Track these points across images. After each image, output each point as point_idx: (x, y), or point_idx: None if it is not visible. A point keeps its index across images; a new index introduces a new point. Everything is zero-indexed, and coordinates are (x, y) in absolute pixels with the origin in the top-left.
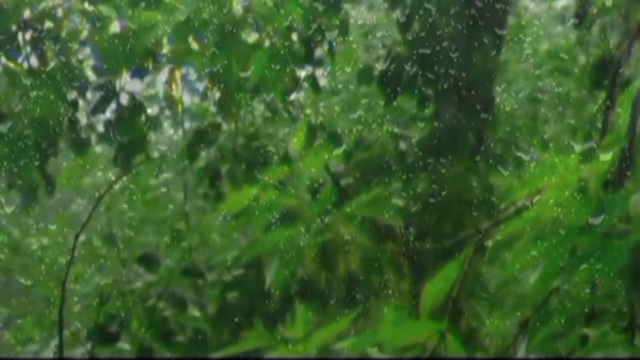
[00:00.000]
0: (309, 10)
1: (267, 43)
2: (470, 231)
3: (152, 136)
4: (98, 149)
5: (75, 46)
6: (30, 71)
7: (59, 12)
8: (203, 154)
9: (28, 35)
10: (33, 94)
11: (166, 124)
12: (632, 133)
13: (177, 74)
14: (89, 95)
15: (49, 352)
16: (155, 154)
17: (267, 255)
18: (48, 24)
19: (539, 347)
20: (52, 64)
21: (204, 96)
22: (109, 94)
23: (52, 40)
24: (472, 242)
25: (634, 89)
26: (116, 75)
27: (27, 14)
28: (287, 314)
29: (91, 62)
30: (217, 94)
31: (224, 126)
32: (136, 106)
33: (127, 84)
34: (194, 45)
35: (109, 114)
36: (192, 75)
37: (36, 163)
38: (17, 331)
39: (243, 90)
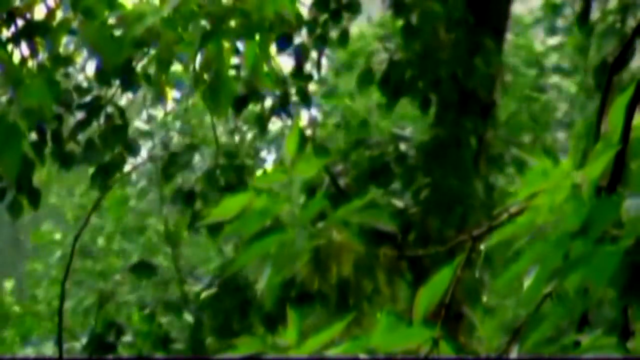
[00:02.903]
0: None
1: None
2: (463, 237)
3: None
4: None
5: (64, 36)
6: (22, 62)
7: (50, 2)
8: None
9: (19, 25)
10: (25, 83)
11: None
12: (625, 138)
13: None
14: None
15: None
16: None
17: (259, 261)
18: (38, 14)
19: (531, 352)
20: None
21: (194, 84)
22: (93, 112)
23: (43, 30)
24: (465, 248)
25: (628, 94)
26: (106, 83)
27: (17, 3)
28: (282, 320)
29: (83, 61)
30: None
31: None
32: (121, 125)
33: (116, 96)
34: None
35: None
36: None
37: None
38: (18, 328)
39: (234, 82)
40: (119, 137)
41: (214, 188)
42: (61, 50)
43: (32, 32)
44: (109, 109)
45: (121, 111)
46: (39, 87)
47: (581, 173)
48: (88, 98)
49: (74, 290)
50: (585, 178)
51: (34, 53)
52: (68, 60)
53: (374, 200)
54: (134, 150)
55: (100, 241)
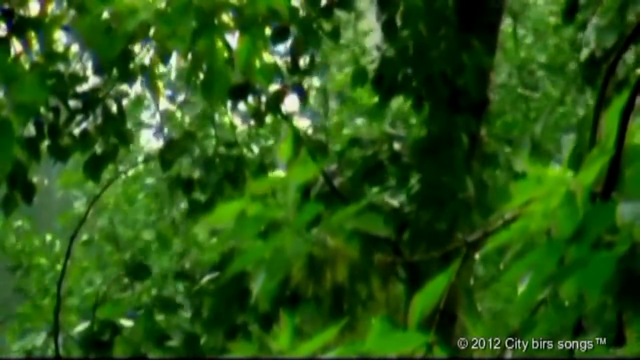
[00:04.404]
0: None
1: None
2: (458, 243)
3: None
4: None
5: (57, 32)
6: (15, 58)
7: None
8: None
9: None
10: (19, 79)
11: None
12: (620, 144)
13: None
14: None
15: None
16: (141, 157)
17: (253, 267)
18: (31, 10)
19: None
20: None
21: (187, 80)
22: (89, 104)
23: (36, 25)
24: (460, 254)
25: (622, 99)
26: (103, 76)
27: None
28: (277, 319)
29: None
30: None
31: (201, 133)
32: (118, 116)
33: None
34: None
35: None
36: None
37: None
38: (15, 328)
39: (227, 76)
40: (116, 128)
41: (212, 176)
42: (54, 45)
43: (25, 28)
44: (106, 101)
45: (118, 103)
46: (32, 83)
47: (575, 179)
48: (84, 87)
49: (99, 275)
50: (580, 184)
51: (26, 49)
52: (61, 57)
53: (370, 201)
54: (127, 141)
55: (123, 230)
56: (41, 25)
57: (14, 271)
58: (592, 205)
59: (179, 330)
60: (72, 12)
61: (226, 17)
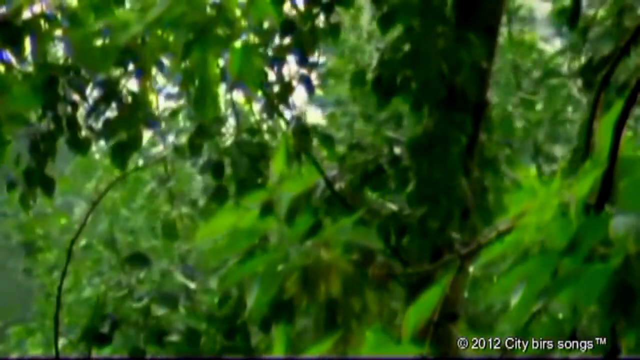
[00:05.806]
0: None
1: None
2: (451, 256)
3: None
4: (97, 155)
5: (50, 42)
6: (8, 67)
7: (36, 8)
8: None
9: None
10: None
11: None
12: (613, 155)
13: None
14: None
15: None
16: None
17: (246, 281)
18: (25, 19)
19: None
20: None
21: (181, 91)
22: (109, 94)
23: (29, 35)
24: (453, 266)
25: (616, 111)
26: (118, 74)
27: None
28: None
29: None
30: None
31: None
32: (136, 104)
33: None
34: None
35: (108, 112)
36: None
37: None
38: (16, 334)
39: (219, 85)
40: (136, 116)
41: (242, 158)
42: (51, 51)
43: (17, 37)
44: (123, 93)
45: (134, 94)
46: (23, 94)
47: (569, 191)
48: (103, 78)
49: (95, 280)
50: (573, 196)
51: (19, 59)
52: (53, 68)
53: (369, 206)
54: (153, 125)
55: (123, 236)
56: (34, 34)
57: (28, 248)
58: (585, 218)
59: (178, 326)
60: (65, 23)
61: (220, 31)
